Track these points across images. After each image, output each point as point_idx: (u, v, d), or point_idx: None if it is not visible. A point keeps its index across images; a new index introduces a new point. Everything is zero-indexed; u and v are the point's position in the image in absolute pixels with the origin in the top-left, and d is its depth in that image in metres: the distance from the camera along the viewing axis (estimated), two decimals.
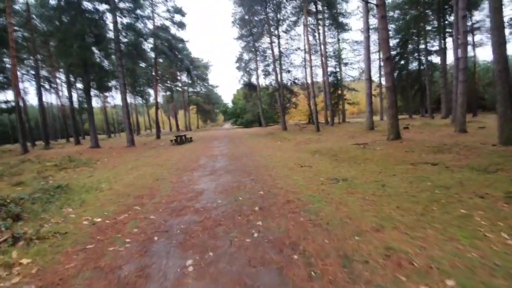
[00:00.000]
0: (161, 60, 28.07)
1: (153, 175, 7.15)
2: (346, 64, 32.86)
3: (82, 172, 9.05)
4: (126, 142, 17.88)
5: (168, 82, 40.35)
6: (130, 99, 52.32)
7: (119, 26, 16.98)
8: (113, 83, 22.75)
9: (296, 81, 32.68)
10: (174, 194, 5.18)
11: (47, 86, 33.17)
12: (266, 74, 32.52)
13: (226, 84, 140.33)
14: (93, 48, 16.79)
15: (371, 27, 23.79)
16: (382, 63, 20.54)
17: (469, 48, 25.23)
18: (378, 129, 16.53)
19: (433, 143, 9.26)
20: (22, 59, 24.27)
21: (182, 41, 25.36)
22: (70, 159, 11.61)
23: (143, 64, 35.67)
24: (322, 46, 24.11)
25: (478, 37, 28.77)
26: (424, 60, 30.39)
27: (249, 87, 35.13)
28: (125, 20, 17.46)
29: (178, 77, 41.87)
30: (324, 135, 16.21)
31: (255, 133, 25.21)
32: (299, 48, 33.62)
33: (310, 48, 21.95)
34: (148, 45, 22.97)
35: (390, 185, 4.66)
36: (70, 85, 22.11)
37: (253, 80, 36.10)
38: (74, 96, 23.78)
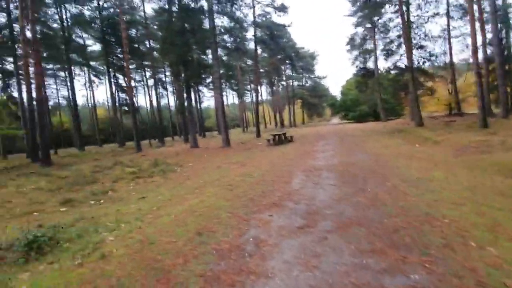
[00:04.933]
0: (261, 51, 26.27)
1: (200, 218, 4.20)
2: None
3: (150, 184, 7.32)
4: (221, 142, 16.49)
5: (271, 75, 38.72)
6: (232, 96, 54.71)
7: (215, 15, 15.53)
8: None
9: (431, 58, 24.28)
10: None
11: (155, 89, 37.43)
12: (388, 54, 25.61)
13: (334, 75, 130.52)
14: (191, 44, 15.97)
15: None
16: None
17: None
18: None
19: None
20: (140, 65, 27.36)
21: (283, 26, 22.48)
22: (156, 162, 10.54)
23: (248, 61, 35.46)
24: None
25: None
26: None
27: (364, 73, 28.94)
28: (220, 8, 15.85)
29: (282, 69, 39.64)
30: (501, 134, 9.64)
31: (373, 129, 19.65)
32: (437, 14, 24.68)
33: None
34: (248, 35, 21.24)
35: None
36: (179, 86, 23.03)
37: (370, 64, 29.66)
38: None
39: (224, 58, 24.57)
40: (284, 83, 46.35)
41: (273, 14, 22.75)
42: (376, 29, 27.14)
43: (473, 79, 25.55)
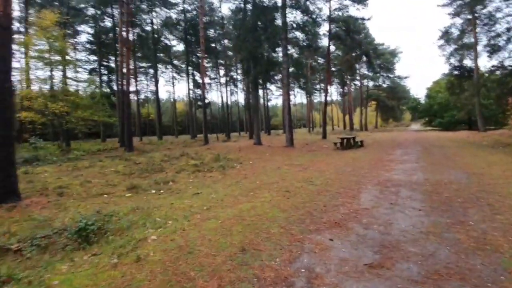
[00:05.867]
0: (334, 48, 24.53)
1: (248, 229, 3.71)
2: None
3: (208, 179, 7.29)
4: (285, 141, 15.93)
5: (343, 74, 36.19)
6: (300, 95, 53.12)
7: (287, 10, 14.98)
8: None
9: None
10: None
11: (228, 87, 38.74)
12: (493, 50, 20.90)
13: (417, 75, 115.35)
14: (262, 41, 15.81)
15: None
16: None
17: None
18: None
19: None
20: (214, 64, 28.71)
21: (362, 19, 20.43)
22: (218, 157, 10.66)
23: (319, 59, 33.90)
24: None
25: None
26: None
27: (460, 73, 24.36)
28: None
29: (357, 68, 36.63)
30: None
31: (467, 140, 16.27)
32: None
33: None
34: (321, 31, 20.03)
35: None
36: (248, 83, 23.38)
37: (468, 62, 24.85)
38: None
39: (295, 55, 23.89)
40: (357, 82, 42.88)
41: (351, 7, 20.95)
42: (478, 21, 22.42)
43: None
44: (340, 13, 20.40)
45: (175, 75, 39.78)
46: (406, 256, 2.72)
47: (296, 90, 49.06)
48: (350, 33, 21.14)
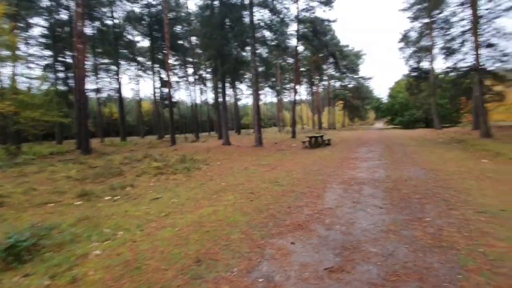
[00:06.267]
0: (303, 49, 24.97)
1: (207, 237, 3.47)
2: None
3: (171, 182, 6.88)
4: (254, 141, 15.81)
5: (311, 74, 37.07)
6: (271, 95, 53.64)
7: (255, 9, 14.85)
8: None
9: (504, 59, 20.75)
10: None
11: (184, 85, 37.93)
12: (449, 53, 22.55)
13: (380, 76, 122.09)
14: (229, 39, 15.51)
15: None
16: None
17: None
18: None
19: None
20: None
21: (328, 21, 20.98)
22: (184, 158, 10.20)
23: (288, 59, 34.30)
24: None
25: None
26: None
27: (418, 74, 26.05)
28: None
29: (324, 69, 37.67)
30: None
31: (425, 137, 17.37)
32: None
33: None
34: (289, 31, 20.18)
35: None
36: (217, 82, 22.91)
37: (425, 64, 26.63)
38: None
39: (265, 55, 23.91)
40: (325, 83, 44.20)
41: (318, 8, 21.41)
42: (434, 25, 24.13)
43: None
44: (307, 14, 20.75)
45: (140, 72, 37.94)
46: (367, 257, 2.66)
47: (267, 90, 49.42)
48: (317, 34, 21.59)
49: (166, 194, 5.63)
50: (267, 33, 18.51)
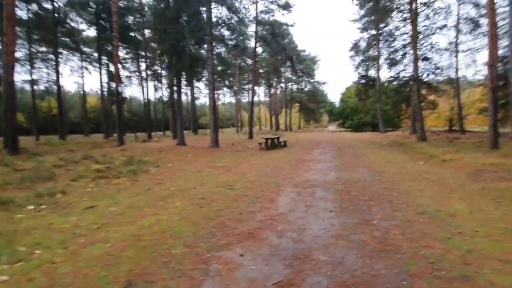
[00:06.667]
0: (261, 51, 25.18)
1: (144, 254, 3.09)
2: None
3: (112, 187, 6.18)
4: (210, 142, 15.34)
5: (270, 76, 37.68)
6: (229, 95, 53.38)
7: (213, 5, 14.41)
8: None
9: (437, 71, 23.42)
10: None
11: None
12: (392, 63, 24.69)
13: (334, 81, 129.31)
14: (185, 34, 14.80)
15: None
16: None
17: None
18: None
19: None
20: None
21: (286, 25, 21.46)
22: (131, 160, 9.37)
23: (247, 60, 34.31)
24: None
25: None
26: None
27: (366, 82, 28.07)
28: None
29: (282, 72, 38.57)
30: None
31: (372, 140, 18.74)
32: (445, 26, 23.91)
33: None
34: (249, 32, 20.14)
35: None
36: (172, 78, 21.81)
37: (372, 73, 28.82)
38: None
39: (223, 54, 23.51)
40: (283, 85, 45.32)
41: (277, 12, 21.75)
42: (381, 37, 26.27)
43: (477, 96, 24.95)
44: (266, 17, 20.93)
45: (86, 64, 34.51)
46: (317, 267, 2.55)
47: (226, 90, 48.92)
48: (275, 36, 21.93)
49: (103, 201, 4.99)
50: (226, 32, 18.22)
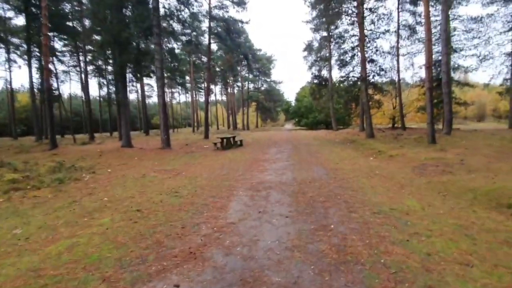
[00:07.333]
0: (217, 48, 24.40)
1: None
2: (456, 51, 23.95)
3: (26, 201, 5.05)
4: (161, 143, 14.19)
5: (226, 75, 36.98)
6: (185, 94, 51.37)
7: None
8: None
9: (381, 73, 25.23)
10: None
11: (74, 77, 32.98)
12: (342, 64, 25.91)
13: (290, 81, 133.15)
14: (129, 23, 13.41)
15: None
16: None
17: None
18: None
19: None
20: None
21: (241, 22, 21.01)
22: (60, 167, 8.01)
23: (203, 57, 33.05)
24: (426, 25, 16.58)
25: None
26: None
27: (319, 81, 29.03)
28: None
29: (238, 70, 38.11)
30: (452, 151, 9.43)
31: (325, 138, 19.28)
32: (387, 31, 25.87)
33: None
34: (202, 27, 19.21)
35: None
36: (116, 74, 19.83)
37: (324, 73, 29.90)
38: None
39: (177, 51, 22.18)
40: (239, 84, 44.94)
41: (231, 8, 21.16)
42: (332, 39, 27.39)
43: (415, 96, 27.51)
44: (220, 12, 20.22)
45: (14, 57, 29.86)
46: None
47: (181, 88, 46.82)
48: (230, 33, 21.32)
49: (9, 221, 3.94)
50: (177, 26, 17.08)
